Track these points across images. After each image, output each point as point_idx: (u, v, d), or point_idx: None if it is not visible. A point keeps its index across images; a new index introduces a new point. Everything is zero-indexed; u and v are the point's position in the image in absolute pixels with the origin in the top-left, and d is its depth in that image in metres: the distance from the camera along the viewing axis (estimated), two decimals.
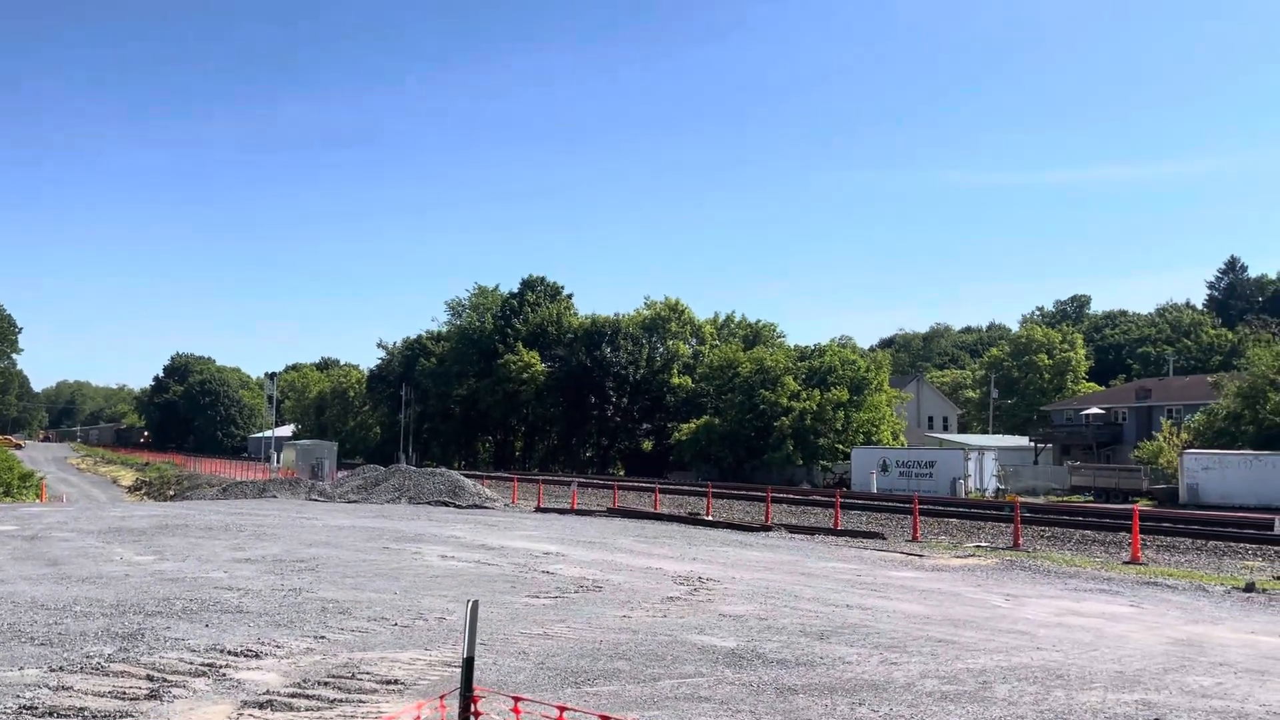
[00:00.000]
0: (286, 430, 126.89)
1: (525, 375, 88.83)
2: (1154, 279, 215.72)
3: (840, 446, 66.59)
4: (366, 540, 19.57)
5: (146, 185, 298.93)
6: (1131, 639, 10.80)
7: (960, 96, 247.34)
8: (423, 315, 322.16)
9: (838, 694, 7.63)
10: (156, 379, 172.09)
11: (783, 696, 7.52)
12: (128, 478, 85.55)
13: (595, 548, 19.54)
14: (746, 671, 8.38)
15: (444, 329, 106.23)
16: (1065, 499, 51.15)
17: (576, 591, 13.18)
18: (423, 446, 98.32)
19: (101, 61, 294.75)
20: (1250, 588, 16.03)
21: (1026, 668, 8.88)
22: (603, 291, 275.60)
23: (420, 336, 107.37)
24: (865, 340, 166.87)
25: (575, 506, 35.42)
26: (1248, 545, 25.34)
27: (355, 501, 36.06)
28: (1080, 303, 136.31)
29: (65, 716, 6.59)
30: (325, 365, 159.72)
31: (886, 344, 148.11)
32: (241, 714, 6.73)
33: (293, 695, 7.23)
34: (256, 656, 8.52)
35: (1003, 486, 55.32)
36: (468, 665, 4.79)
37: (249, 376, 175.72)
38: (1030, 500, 43.68)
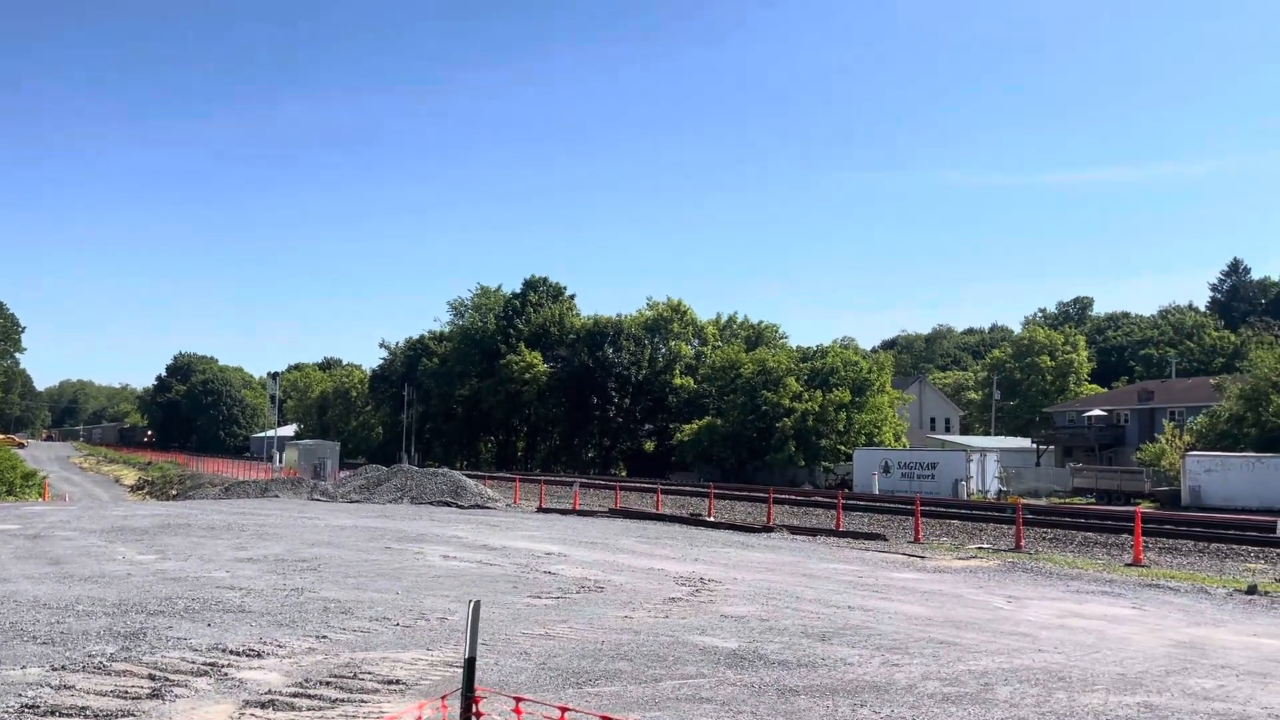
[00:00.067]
0: (289, 430, 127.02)
1: (527, 376, 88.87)
2: (1157, 281, 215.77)
3: (842, 448, 66.56)
4: (369, 540, 19.58)
5: (149, 185, 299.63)
6: (1133, 641, 10.80)
7: (961, 97, 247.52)
8: (425, 315, 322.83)
9: (839, 695, 7.63)
10: (159, 378, 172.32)
11: (784, 698, 7.52)
12: (130, 477, 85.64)
13: (597, 548, 19.55)
14: (748, 672, 8.38)
15: (446, 329, 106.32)
16: (1067, 501, 51.10)
17: (578, 592, 13.18)
18: (425, 447, 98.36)
19: (102, 61, 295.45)
20: (1252, 590, 16.01)
21: (1028, 669, 8.88)
22: (605, 292, 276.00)
23: (423, 336, 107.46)
24: (867, 341, 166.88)
25: (577, 507, 35.42)
26: (1250, 548, 25.31)
27: (357, 501, 36.08)
28: (1083, 304, 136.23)
29: (67, 715, 6.59)
30: (328, 365, 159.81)
31: (889, 345, 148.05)
32: (243, 713, 6.73)
33: (295, 695, 7.24)
34: (258, 656, 8.53)
35: (1005, 488, 55.28)
36: (469, 665, 4.79)
37: (251, 376, 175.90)
38: (1032, 502, 43.64)
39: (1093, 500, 51.25)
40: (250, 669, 8.05)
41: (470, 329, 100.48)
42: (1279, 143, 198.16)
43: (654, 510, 35.39)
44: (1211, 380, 70.32)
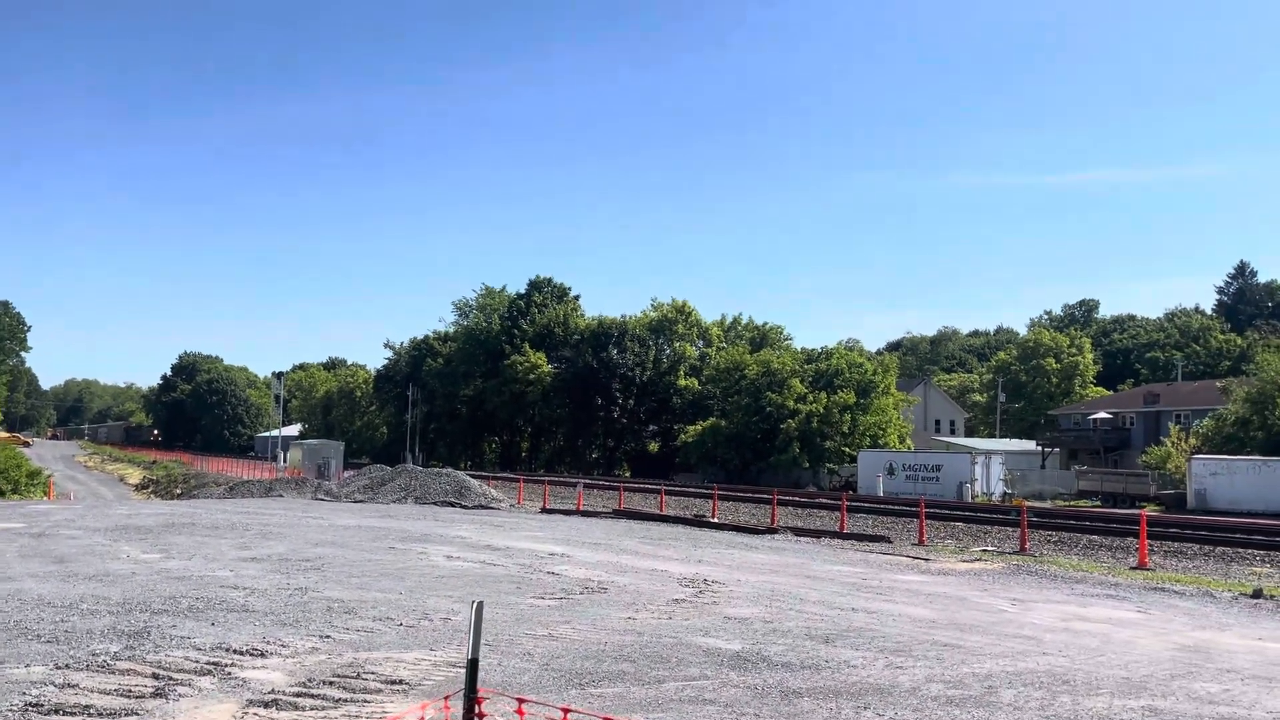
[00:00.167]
0: (293, 430, 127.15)
1: (532, 376, 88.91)
2: (1163, 284, 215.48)
3: (846, 449, 66.49)
4: (372, 540, 19.59)
5: (154, 184, 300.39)
6: (1138, 645, 10.77)
7: (967, 98, 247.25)
8: (430, 315, 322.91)
9: (842, 697, 7.62)
10: (164, 378, 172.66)
11: (787, 700, 7.51)
12: (135, 476, 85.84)
13: (600, 549, 19.54)
14: (751, 674, 8.37)
15: (451, 329, 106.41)
16: (1072, 503, 50.99)
17: (581, 593, 13.18)
18: (429, 447, 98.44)
19: (103, 61, 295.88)
20: (1258, 594, 15.97)
21: (1032, 673, 8.85)
22: (610, 293, 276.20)
23: (427, 337, 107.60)
24: (872, 343, 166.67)
25: (581, 508, 35.43)
26: (1256, 551, 25.24)
27: (361, 501, 36.11)
28: (1088, 307, 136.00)
29: (71, 714, 6.60)
30: (332, 365, 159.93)
31: (894, 347, 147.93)
32: (246, 713, 6.74)
33: (298, 694, 7.24)
34: (262, 655, 8.53)
35: (1009, 490, 55.18)
36: (472, 666, 4.79)
37: (256, 376, 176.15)
38: (1037, 504, 43.54)
39: (1098, 503, 51.13)
40: (254, 668, 8.05)
41: (475, 329, 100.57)
42: None
43: (658, 511, 35.38)
44: (1218, 383, 70.18)
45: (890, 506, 38.78)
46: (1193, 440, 57.07)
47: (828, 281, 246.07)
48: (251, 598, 11.70)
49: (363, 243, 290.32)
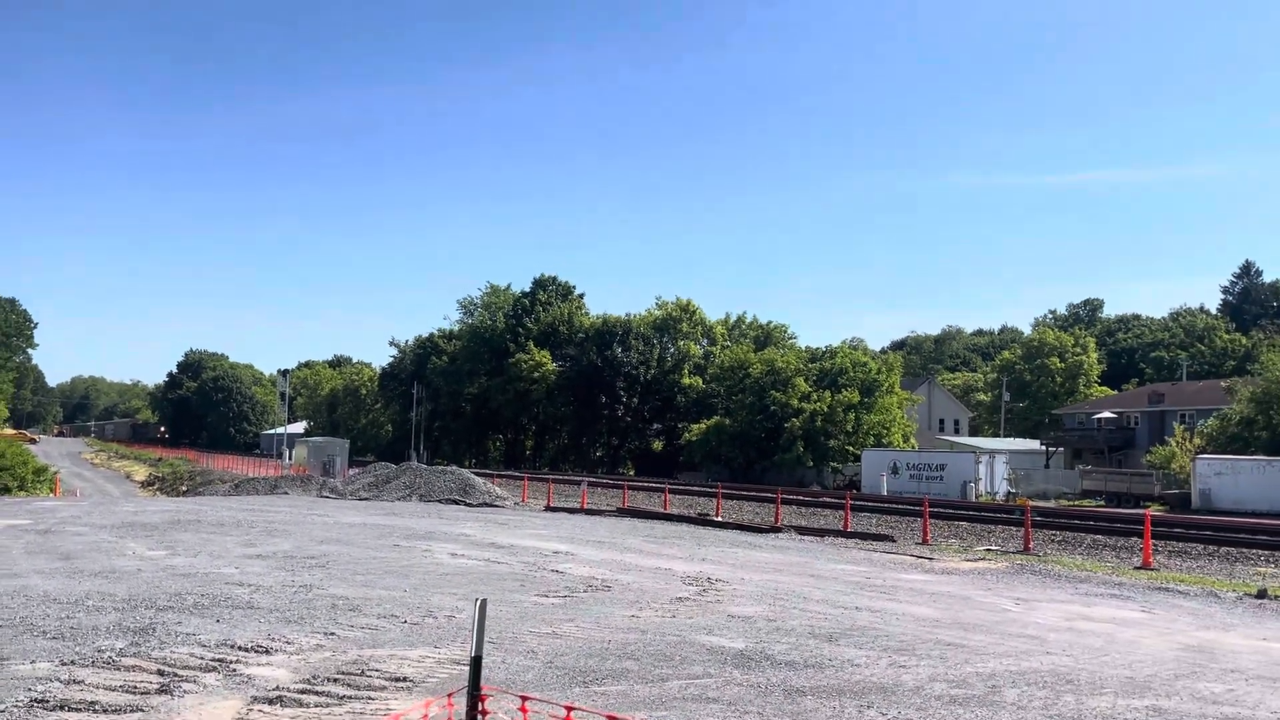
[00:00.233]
0: (298, 427, 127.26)
1: (536, 374, 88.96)
2: (1168, 283, 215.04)
3: (851, 448, 66.48)
4: (377, 537, 19.63)
5: (160, 180, 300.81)
6: (1142, 645, 10.76)
7: (968, 100, 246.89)
8: (435, 313, 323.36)
9: (846, 696, 7.62)
10: (170, 375, 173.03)
11: (791, 698, 7.51)
12: (141, 473, 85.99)
13: (604, 547, 19.56)
14: (755, 673, 8.38)
15: (456, 327, 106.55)
16: (1076, 503, 50.92)
17: (585, 591, 13.19)
18: (434, 444, 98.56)
19: (103, 60, 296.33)
20: (1262, 594, 15.94)
21: (1036, 672, 8.85)
22: (614, 291, 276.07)
23: (432, 335, 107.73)
24: (876, 342, 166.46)
25: (585, 506, 35.45)
26: (1260, 551, 25.21)
27: (366, 499, 36.16)
28: (1093, 306, 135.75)
29: (76, 710, 6.62)
30: (338, 363, 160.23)
31: (898, 346, 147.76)
32: (251, 709, 6.76)
33: (302, 691, 7.26)
34: (267, 652, 8.55)
35: (1013, 490, 55.14)
36: (475, 664, 4.80)
37: (262, 373, 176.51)
38: (1041, 504, 43.50)
39: (1102, 503, 51.05)
40: (258, 665, 8.08)
41: (479, 327, 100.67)
42: None
43: (661, 510, 35.41)
44: (1222, 383, 70.03)
45: (894, 506, 38.77)
46: (1197, 440, 56.96)
47: (828, 281, 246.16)
48: (256, 595, 11.73)
49: (368, 240, 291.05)
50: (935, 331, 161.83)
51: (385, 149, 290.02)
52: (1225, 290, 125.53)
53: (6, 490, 41.61)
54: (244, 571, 13.84)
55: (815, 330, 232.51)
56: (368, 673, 7.90)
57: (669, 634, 10.09)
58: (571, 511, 32.92)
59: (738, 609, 12.02)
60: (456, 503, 34.90)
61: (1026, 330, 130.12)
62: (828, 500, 42.78)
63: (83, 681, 7.34)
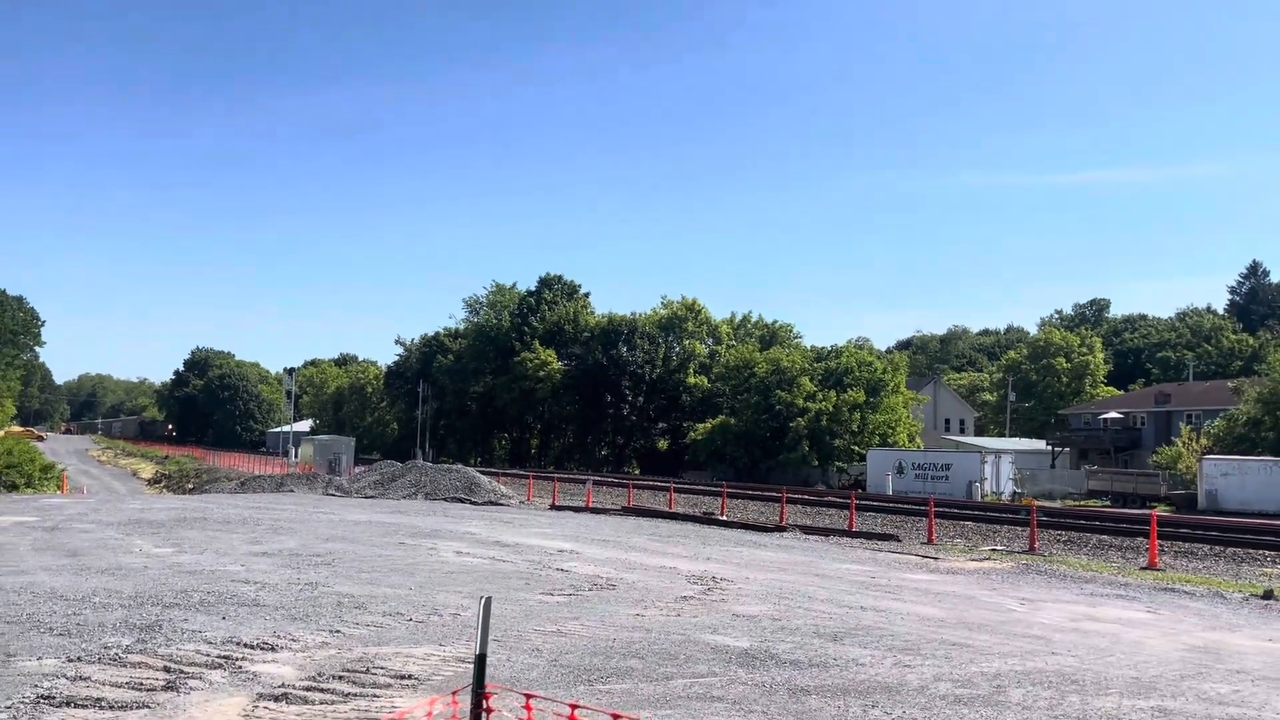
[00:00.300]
0: (304, 425, 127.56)
1: (542, 373, 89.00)
2: (1174, 283, 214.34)
3: (856, 448, 66.41)
4: (382, 535, 19.66)
5: (163, 180, 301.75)
6: (1148, 645, 10.74)
7: (969, 100, 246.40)
8: (438, 312, 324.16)
9: (850, 695, 7.62)
10: (177, 373, 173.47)
11: (795, 697, 7.52)
12: (147, 471, 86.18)
13: (610, 546, 19.57)
14: (759, 672, 8.38)
15: (461, 326, 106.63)
16: (1082, 503, 50.83)
17: (590, 589, 13.20)
18: (439, 443, 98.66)
19: (104, 59, 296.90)
20: (1269, 595, 15.90)
21: (1041, 672, 8.84)
22: (619, 290, 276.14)
23: (438, 333, 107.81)
24: (882, 342, 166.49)
25: (590, 505, 35.46)
26: (1267, 552, 25.14)
27: (372, 497, 36.22)
28: (1099, 306, 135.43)
29: (83, 706, 6.65)
30: (344, 361, 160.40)
31: (903, 346, 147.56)
32: (256, 706, 6.78)
33: (307, 688, 7.28)
34: (272, 649, 8.58)
35: (1019, 490, 55.05)
36: (480, 662, 4.81)
37: (268, 371, 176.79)
38: (1047, 504, 43.43)
39: (1108, 503, 50.95)
40: (264, 662, 8.10)
41: (485, 326, 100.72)
42: None
43: (667, 509, 35.41)
44: (1229, 383, 69.84)
45: (899, 505, 38.74)
46: (1204, 440, 56.82)
47: (829, 281, 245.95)
48: (262, 592, 11.75)
49: (371, 239, 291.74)
50: (941, 331, 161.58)
51: (386, 147, 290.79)
52: (1232, 290, 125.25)
53: (14, 487, 41.71)
54: (250, 569, 13.87)
55: (817, 330, 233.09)
56: (373, 670, 7.92)
57: (674, 633, 10.09)
58: (576, 510, 32.94)
59: (742, 608, 12.02)
60: (462, 501, 34.94)
61: (1032, 330, 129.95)
62: (833, 500, 42.73)
63: (89, 678, 7.37)
